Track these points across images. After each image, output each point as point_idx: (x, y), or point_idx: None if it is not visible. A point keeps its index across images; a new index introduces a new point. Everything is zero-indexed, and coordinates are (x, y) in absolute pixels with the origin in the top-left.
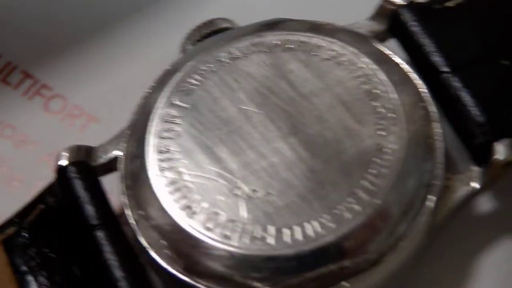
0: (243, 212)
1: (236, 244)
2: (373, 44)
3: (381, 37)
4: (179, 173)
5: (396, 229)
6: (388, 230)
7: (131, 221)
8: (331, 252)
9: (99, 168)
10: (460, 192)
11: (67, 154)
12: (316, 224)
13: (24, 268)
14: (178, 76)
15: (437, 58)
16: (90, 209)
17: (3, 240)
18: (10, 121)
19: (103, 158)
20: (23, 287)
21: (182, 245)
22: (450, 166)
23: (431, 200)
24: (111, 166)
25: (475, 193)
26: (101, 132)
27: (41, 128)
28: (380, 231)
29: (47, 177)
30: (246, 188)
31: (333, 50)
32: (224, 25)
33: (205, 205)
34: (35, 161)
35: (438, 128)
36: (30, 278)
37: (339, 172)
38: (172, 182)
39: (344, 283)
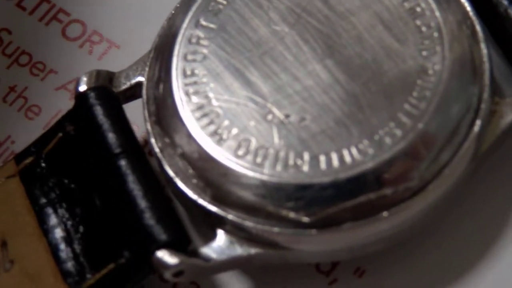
0: (276, 138)
1: (268, 171)
2: None
3: None
4: (207, 97)
5: (440, 156)
6: (431, 157)
7: (156, 149)
8: (370, 180)
9: (121, 95)
10: (508, 117)
11: (87, 79)
12: (354, 151)
13: (43, 200)
14: None
15: None
16: (112, 137)
17: (20, 170)
18: (26, 48)
19: (125, 84)
20: (42, 220)
21: (210, 173)
22: (497, 89)
23: (477, 125)
24: (133, 92)
25: None
26: (122, 59)
27: (58, 55)
28: (422, 157)
29: (65, 106)
30: (279, 113)
31: None
32: None
33: (235, 131)
34: (52, 90)
35: (484, 49)
36: (49, 210)
37: (379, 95)
38: (200, 107)
39: (384, 213)
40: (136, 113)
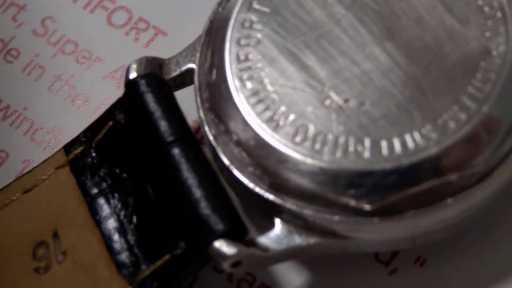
0: (335, 124)
1: (327, 158)
2: None
3: None
4: (262, 83)
5: (506, 140)
6: (497, 141)
7: (210, 137)
8: (434, 165)
9: (172, 82)
10: None
11: (136, 67)
12: (417, 135)
13: (95, 190)
14: None
15: None
16: (164, 125)
17: (70, 160)
18: (71, 36)
19: (175, 71)
20: (95, 210)
21: (267, 161)
22: None
23: None
24: (184, 79)
25: None
26: (169, 47)
27: (104, 43)
28: (488, 142)
29: (112, 95)
30: (337, 98)
31: None
32: None
33: (292, 117)
34: (99, 79)
35: None
36: (101, 200)
37: (441, 78)
38: (255, 93)
39: (448, 200)
40: (184, 101)
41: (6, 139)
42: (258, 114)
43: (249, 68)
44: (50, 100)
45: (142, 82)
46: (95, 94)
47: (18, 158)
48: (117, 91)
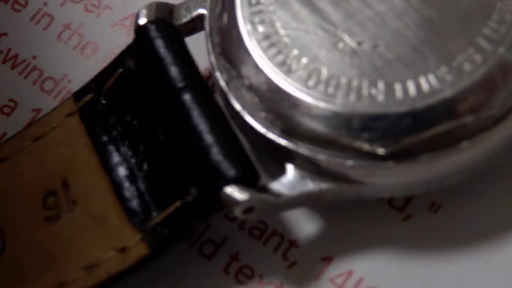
0: (348, 67)
1: (341, 102)
2: None
3: None
4: (274, 26)
5: None
6: None
7: (222, 82)
8: (449, 108)
9: (182, 28)
10: None
11: (146, 12)
12: (431, 78)
13: (105, 137)
14: None
15: None
16: (175, 70)
17: (80, 108)
18: None
19: (185, 16)
20: (105, 158)
21: (280, 106)
22: None
23: None
24: (194, 25)
25: None
26: None
27: None
28: (504, 84)
29: (122, 43)
30: (350, 41)
31: None
32: None
33: (304, 60)
34: (108, 27)
35: None
36: (111, 148)
37: (456, 20)
38: (267, 37)
39: (463, 143)
40: (194, 49)
41: (15, 88)
42: (270, 58)
43: (260, 11)
44: (59, 49)
45: (152, 27)
46: (104, 43)
47: (27, 108)
48: (127, 39)
